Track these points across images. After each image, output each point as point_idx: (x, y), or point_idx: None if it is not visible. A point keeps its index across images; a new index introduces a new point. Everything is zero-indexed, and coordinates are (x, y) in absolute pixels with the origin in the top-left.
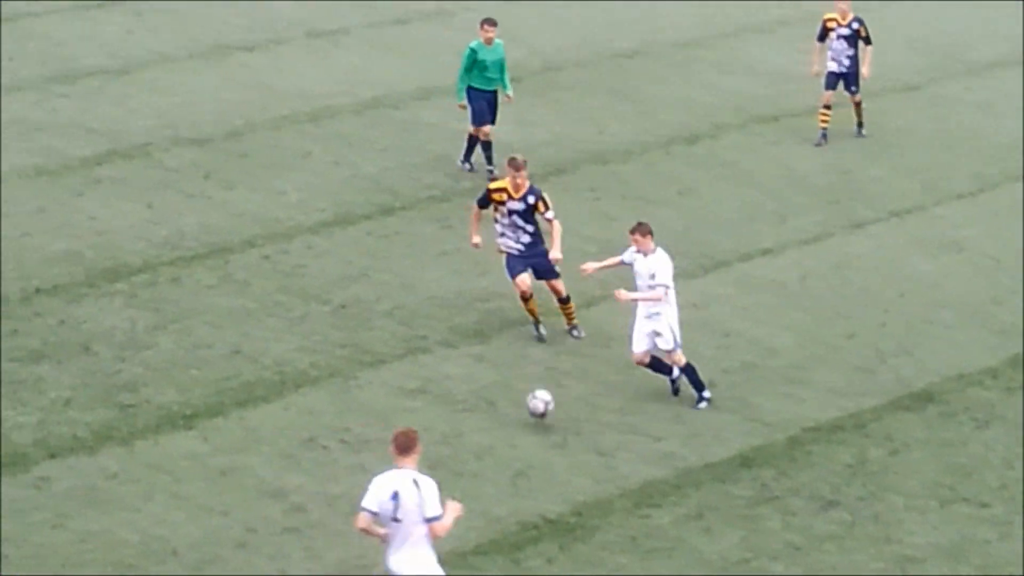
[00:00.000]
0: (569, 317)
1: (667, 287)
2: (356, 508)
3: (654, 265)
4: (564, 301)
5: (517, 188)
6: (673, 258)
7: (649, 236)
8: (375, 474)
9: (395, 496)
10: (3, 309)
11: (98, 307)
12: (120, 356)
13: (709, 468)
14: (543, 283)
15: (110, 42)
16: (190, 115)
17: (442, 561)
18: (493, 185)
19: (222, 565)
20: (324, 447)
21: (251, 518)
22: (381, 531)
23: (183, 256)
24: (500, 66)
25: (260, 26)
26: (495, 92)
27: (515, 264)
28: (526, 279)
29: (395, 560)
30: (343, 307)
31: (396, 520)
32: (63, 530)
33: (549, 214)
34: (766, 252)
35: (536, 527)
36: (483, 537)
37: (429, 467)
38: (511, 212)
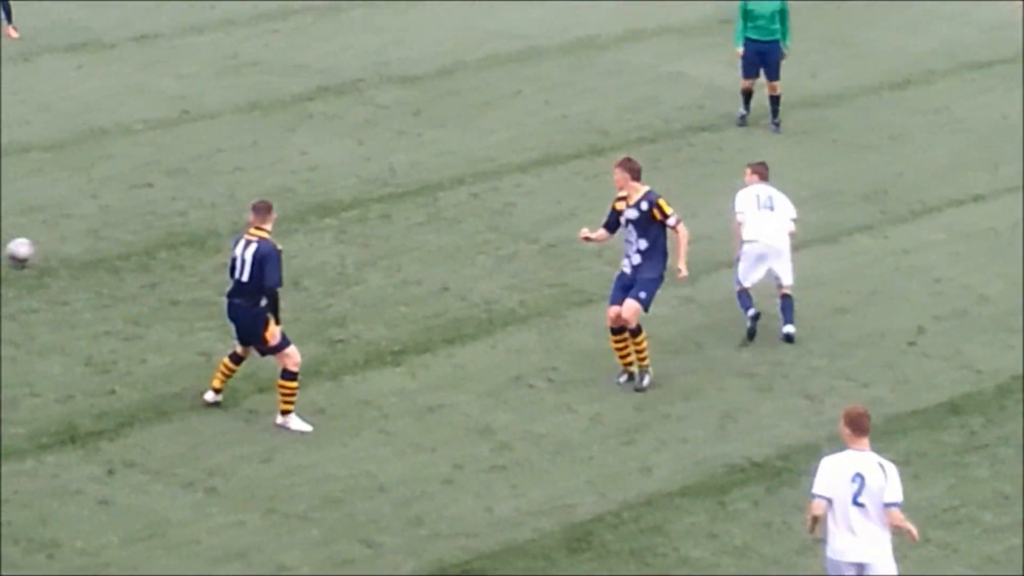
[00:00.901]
0: (640, 355)
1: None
2: (808, 496)
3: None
4: (634, 333)
5: (629, 192)
6: (884, 203)
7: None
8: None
9: (858, 478)
10: (215, 243)
11: (308, 242)
12: (330, 291)
13: (917, 415)
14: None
15: None
16: (401, 53)
17: (649, 503)
18: (619, 195)
19: (428, 501)
20: (531, 386)
21: (458, 455)
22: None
23: (393, 193)
24: (776, 16)
25: None
26: (771, 43)
27: (616, 289)
28: (618, 310)
29: (847, 545)
30: (551, 246)
31: (858, 504)
32: (271, 464)
33: (671, 220)
34: (978, 199)
35: (743, 470)
36: (689, 479)
37: (635, 408)
38: (627, 222)
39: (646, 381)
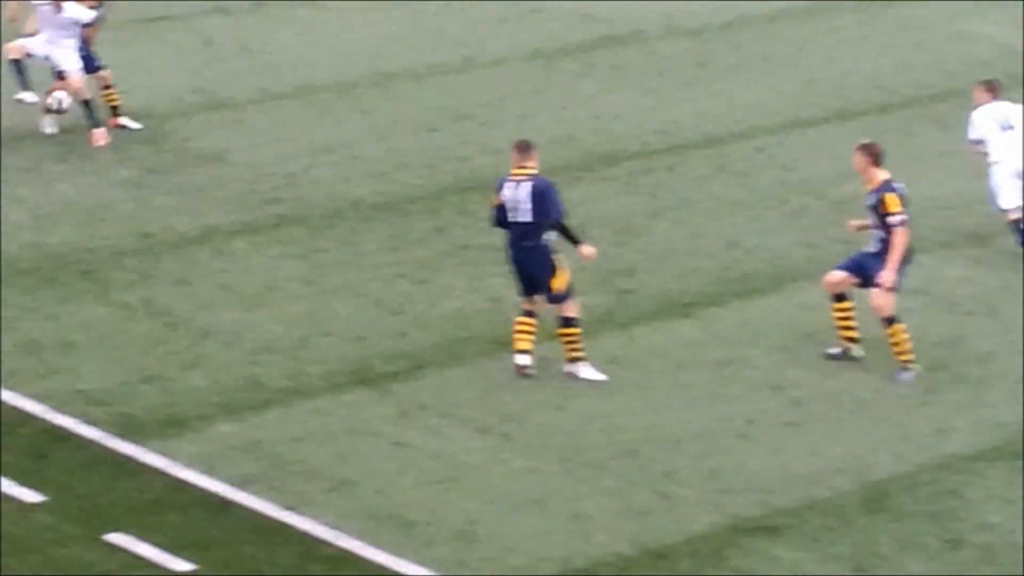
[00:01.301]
0: (896, 348)
1: None
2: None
3: None
4: (889, 322)
5: (869, 178)
6: None
7: None
8: None
9: None
10: None
11: (594, 191)
12: (618, 241)
13: None
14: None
15: None
16: (685, 5)
17: (945, 466)
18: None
19: (723, 456)
20: (821, 343)
21: (750, 410)
22: None
23: (679, 144)
24: None
25: None
26: None
27: (849, 258)
28: (841, 276)
29: None
30: (840, 202)
31: None
32: (565, 412)
33: (892, 218)
34: None
35: None
36: (987, 443)
37: (928, 369)
38: (867, 208)
39: (905, 376)
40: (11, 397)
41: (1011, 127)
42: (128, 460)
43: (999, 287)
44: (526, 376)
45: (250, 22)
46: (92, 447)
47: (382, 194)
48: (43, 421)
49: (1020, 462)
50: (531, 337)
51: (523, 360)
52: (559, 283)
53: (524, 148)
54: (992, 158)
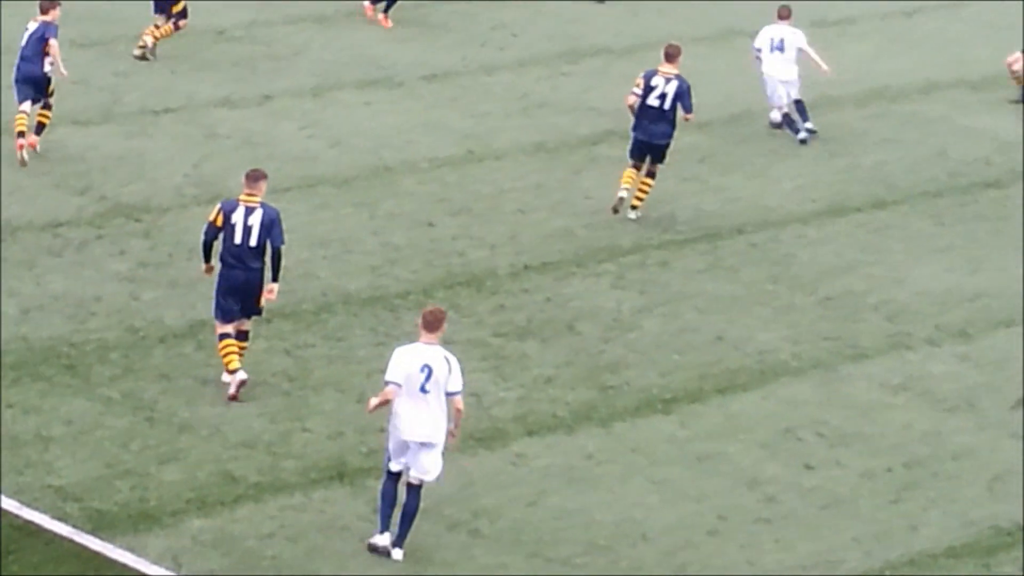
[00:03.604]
0: None
1: None
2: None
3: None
4: None
5: None
6: None
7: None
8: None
9: (425, 368)
10: (492, 284)
11: (586, 286)
12: (605, 336)
13: None
14: None
15: (617, 22)
16: (693, 98)
17: (913, 562)
18: None
19: (693, 551)
20: (800, 439)
21: (725, 506)
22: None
23: (674, 239)
24: None
25: (768, 9)
26: None
27: None
28: None
29: (411, 427)
30: (830, 299)
31: (424, 391)
32: (539, 507)
33: None
34: None
35: (1010, 533)
36: (956, 540)
37: (905, 466)
38: None
39: None
40: None
41: (781, 48)
42: (96, 556)
43: (982, 384)
44: (243, 387)
45: (255, 115)
46: (61, 542)
47: (374, 288)
48: (14, 516)
49: (988, 559)
50: (239, 355)
51: (235, 378)
52: (265, 299)
53: (255, 177)
54: (763, 68)
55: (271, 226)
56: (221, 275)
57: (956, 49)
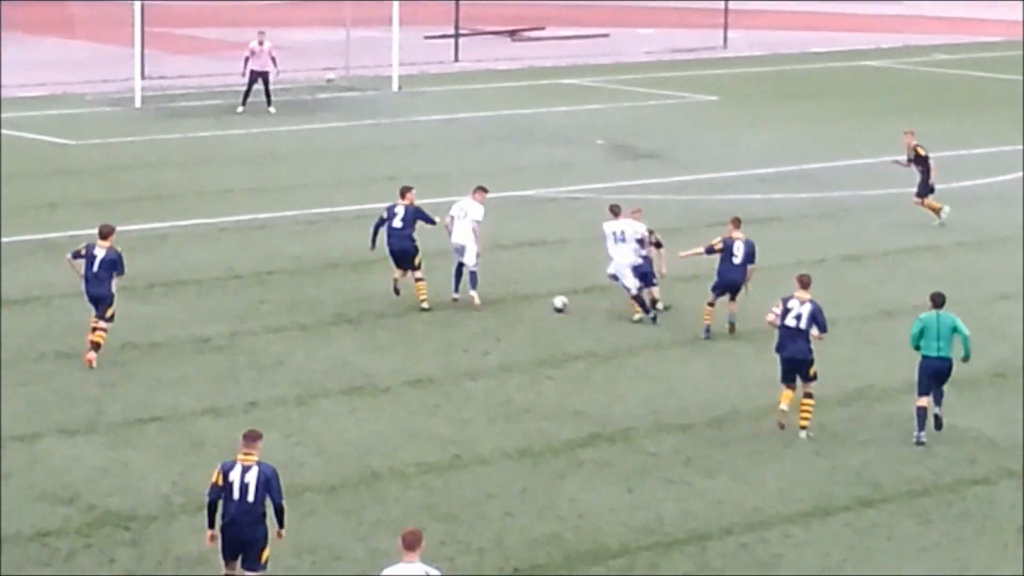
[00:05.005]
0: None
1: None
2: None
3: None
4: None
5: None
6: None
7: None
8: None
9: None
10: None
11: None
12: None
13: None
14: None
15: (599, 327)
16: (674, 401)
17: None
18: None
19: None
20: None
21: None
22: None
23: (661, 542)
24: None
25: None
26: None
27: None
28: None
29: None
30: None
31: None
32: None
33: None
34: None
35: None
36: None
37: None
38: None
39: None
40: None
41: (623, 239)
42: None
43: None
44: None
45: (241, 423)
46: None
47: None
48: None
49: None
50: None
51: None
52: (265, 554)
53: (251, 437)
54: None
55: (268, 483)
56: (222, 530)
57: None
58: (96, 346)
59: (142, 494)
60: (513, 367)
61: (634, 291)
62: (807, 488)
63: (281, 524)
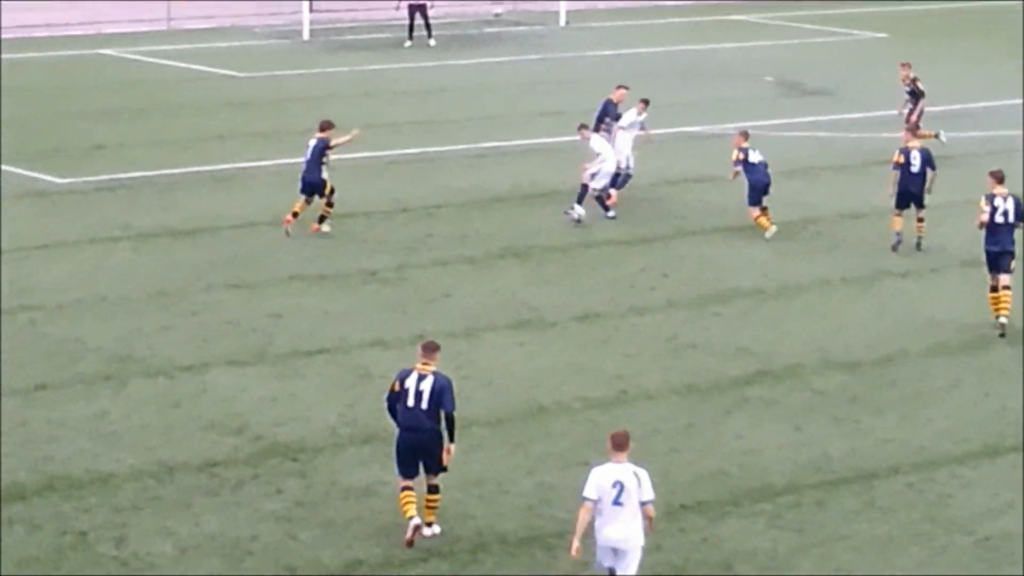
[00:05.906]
0: None
1: None
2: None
3: None
4: None
5: None
6: None
7: None
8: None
9: (617, 484)
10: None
11: (742, 526)
12: None
13: None
14: None
15: (767, 263)
16: (842, 339)
17: None
18: None
19: None
20: None
21: None
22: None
23: (827, 480)
24: None
25: (918, 255)
26: None
27: None
28: None
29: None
30: (987, 539)
31: (618, 504)
32: None
33: None
34: None
35: None
36: None
37: None
38: None
39: None
40: None
41: None
42: None
43: None
44: (419, 535)
45: (408, 355)
46: None
47: (529, 529)
48: None
49: None
50: (432, 508)
51: (416, 521)
52: (447, 457)
53: (429, 348)
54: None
55: (442, 393)
56: (398, 438)
57: None
58: (321, 218)
59: (310, 425)
60: (680, 303)
61: None
62: (975, 428)
63: (452, 437)
